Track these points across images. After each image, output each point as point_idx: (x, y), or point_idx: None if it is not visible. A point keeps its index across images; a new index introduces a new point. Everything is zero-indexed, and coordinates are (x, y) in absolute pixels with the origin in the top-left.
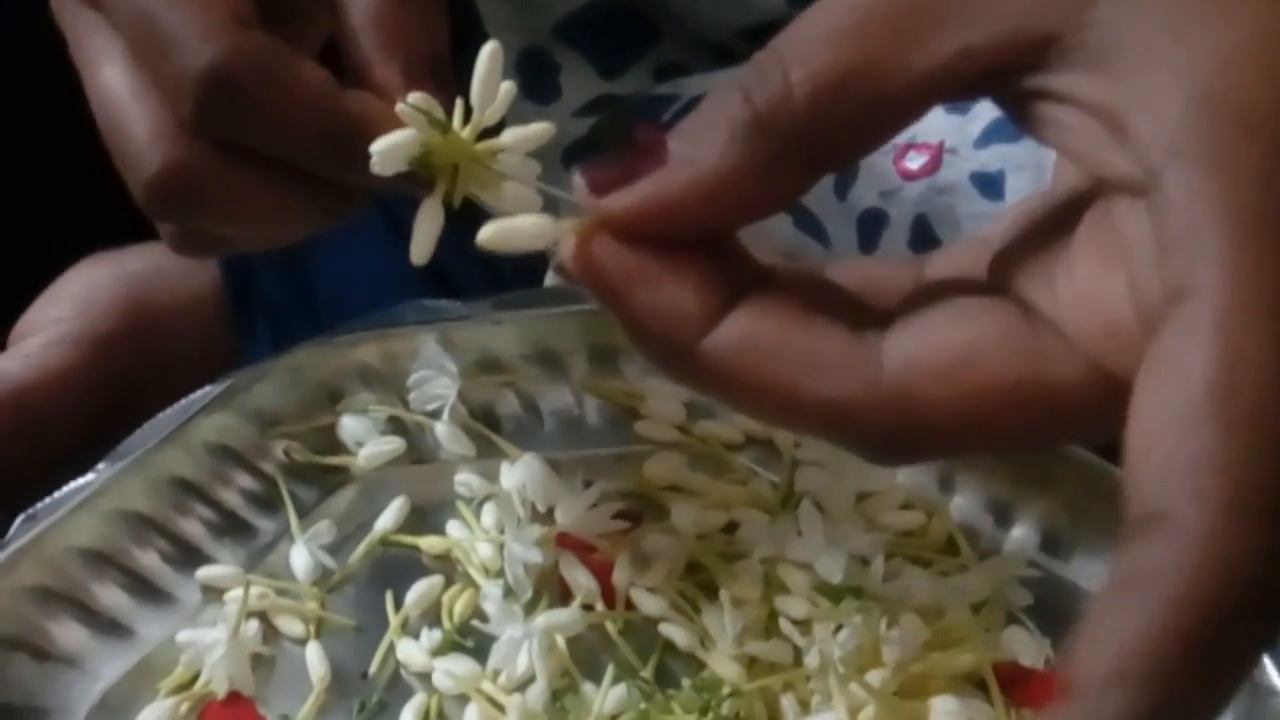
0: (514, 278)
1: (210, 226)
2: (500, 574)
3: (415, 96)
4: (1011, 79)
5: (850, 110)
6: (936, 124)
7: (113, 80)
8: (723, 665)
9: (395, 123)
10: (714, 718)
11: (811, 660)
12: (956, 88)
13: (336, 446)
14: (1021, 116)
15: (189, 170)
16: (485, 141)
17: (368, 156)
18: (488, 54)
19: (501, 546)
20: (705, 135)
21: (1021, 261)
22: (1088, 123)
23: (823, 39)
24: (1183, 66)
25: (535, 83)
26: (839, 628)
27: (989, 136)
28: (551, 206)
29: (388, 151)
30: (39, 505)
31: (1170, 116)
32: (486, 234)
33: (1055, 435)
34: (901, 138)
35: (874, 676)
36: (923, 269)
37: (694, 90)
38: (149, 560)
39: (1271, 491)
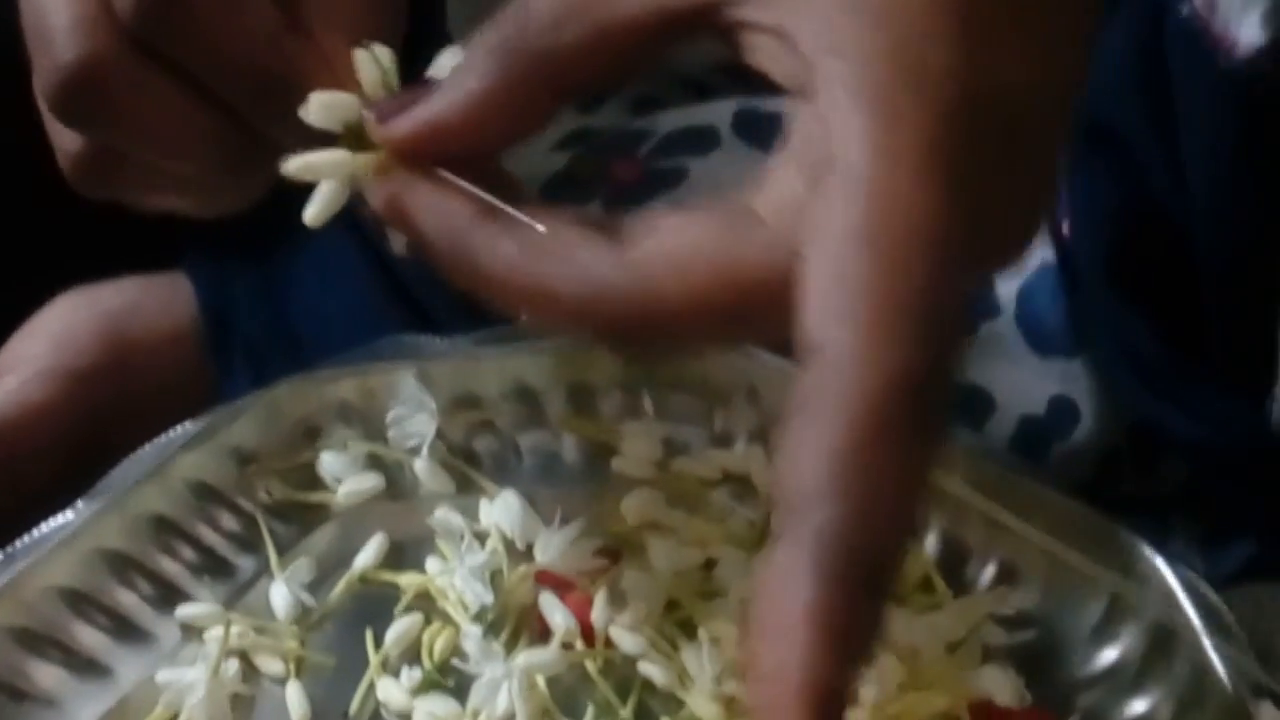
0: (493, 314)
1: (117, 140)
2: (479, 615)
3: (379, 48)
4: (718, 13)
5: (582, 35)
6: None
7: None
8: (702, 705)
9: (330, 81)
10: None
11: None
12: (676, 22)
13: (316, 483)
14: (733, 47)
15: (108, 62)
16: None
17: (292, 104)
18: (448, 56)
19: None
20: (467, 61)
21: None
22: (769, 41)
23: None
24: None
25: None
26: None
27: None
28: None
29: (328, 106)
30: (17, 544)
31: (822, 22)
32: (292, 166)
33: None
34: None
35: (851, 717)
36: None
37: (670, 124)
38: (128, 599)
39: (916, 305)
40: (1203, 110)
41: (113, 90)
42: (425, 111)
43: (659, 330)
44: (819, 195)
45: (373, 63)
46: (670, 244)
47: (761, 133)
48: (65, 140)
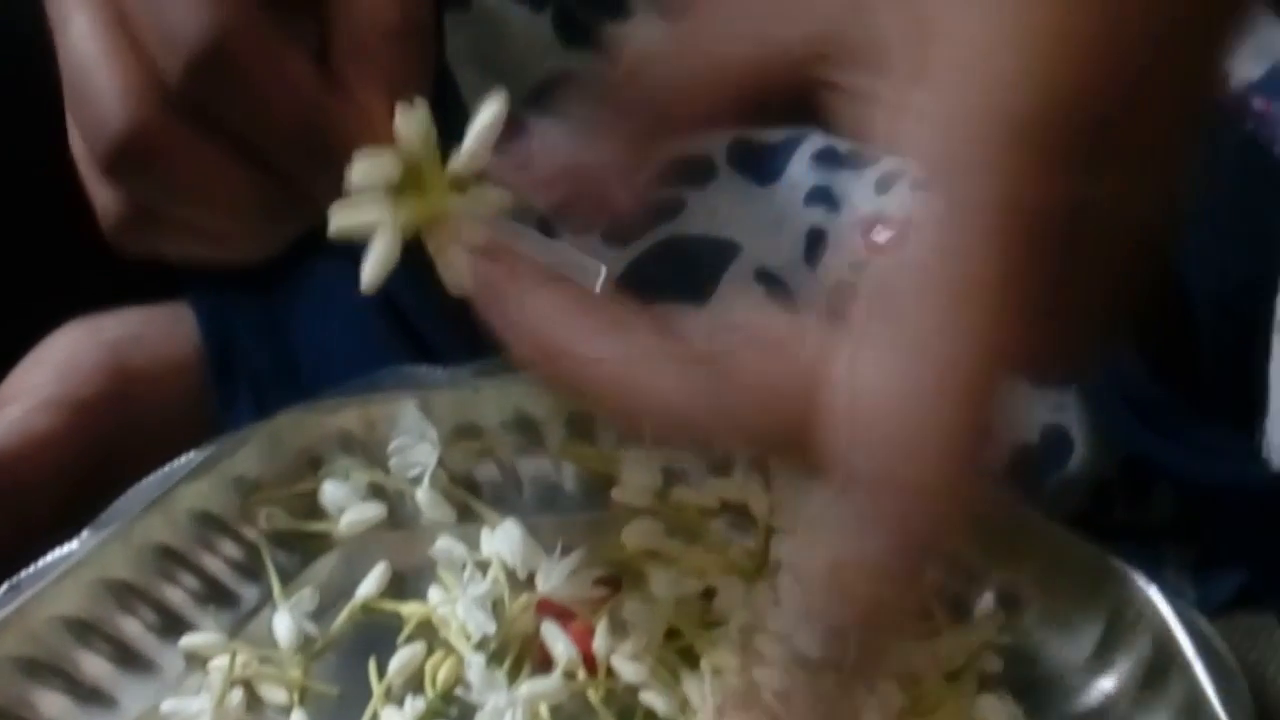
0: (494, 345)
1: (163, 200)
2: (482, 644)
3: (421, 106)
4: (809, 72)
5: (696, 94)
6: (902, 198)
7: (85, 28)
8: None
9: (368, 140)
10: None
11: None
12: (779, 79)
13: (318, 512)
14: (820, 108)
15: (158, 131)
16: (457, 193)
17: (335, 160)
18: (493, 108)
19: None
20: (581, 112)
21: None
22: (869, 112)
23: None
24: (945, 70)
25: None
26: None
27: None
28: None
29: (371, 167)
30: (22, 575)
31: (933, 121)
32: (341, 225)
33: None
34: (867, 208)
35: None
36: None
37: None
38: (132, 629)
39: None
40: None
41: (162, 151)
42: (555, 161)
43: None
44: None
45: (412, 120)
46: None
47: (756, 163)
48: (107, 199)
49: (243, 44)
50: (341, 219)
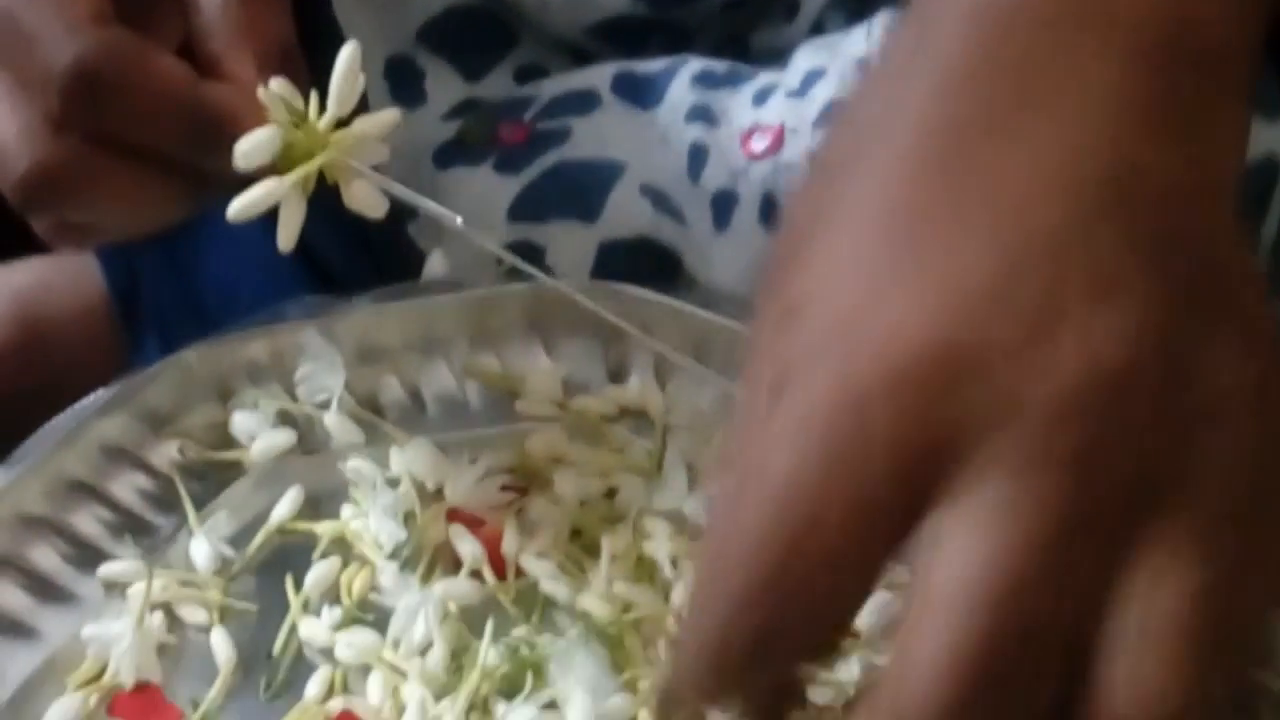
0: (396, 273)
1: (83, 216)
2: (395, 553)
3: (276, 83)
4: None
5: None
6: (777, 107)
7: None
8: (594, 605)
9: (251, 110)
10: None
11: (678, 597)
12: None
13: (229, 442)
14: None
15: (57, 165)
16: (340, 131)
17: (226, 142)
18: (348, 52)
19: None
20: None
21: None
22: None
23: None
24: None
25: (401, 88)
26: None
27: (825, 118)
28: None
29: (251, 149)
30: None
31: None
32: (241, 208)
33: None
34: (746, 121)
35: None
36: None
37: (552, 91)
38: (49, 561)
39: None
40: None
41: (67, 180)
42: None
43: None
44: None
45: (275, 99)
46: None
47: (638, 90)
48: (34, 221)
49: (107, 58)
50: (243, 203)
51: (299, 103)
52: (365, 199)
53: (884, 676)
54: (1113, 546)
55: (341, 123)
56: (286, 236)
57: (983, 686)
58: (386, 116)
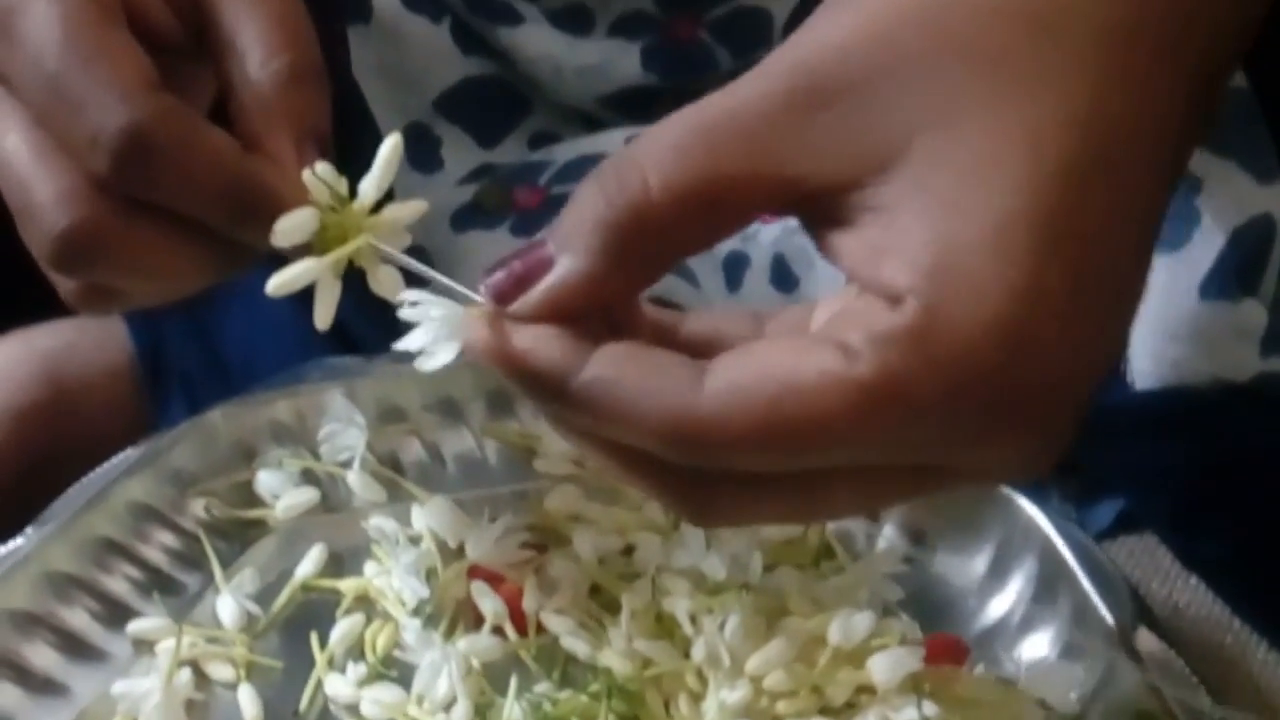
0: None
1: (113, 280)
2: (417, 610)
3: (322, 167)
4: (820, 204)
5: (698, 212)
6: None
7: (15, 144)
8: (614, 661)
9: (291, 189)
10: (609, 707)
11: (698, 653)
12: (781, 206)
13: (254, 501)
14: (815, 229)
15: (97, 225)
16: (373, 216)
17: (265, 215)
18: (391, 144)
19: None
20: (576, 236)
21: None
22: (861, 250)
23: (675, 151)
24: (931, 230)
25: (419, 156)
26: (723, 623)
27: None
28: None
29: (290, 228)
30: None
31: (915, 261)
32: (280, 284)
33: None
34: None
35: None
36: (763, 323)
37: (565, 155)
38: (79, 619)
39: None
40: None
41: (104, 242)
42: (544, 294)
43: (723, 456)
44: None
45: (318, 180)
46: (739, 374)
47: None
48: (61, 282)
49: (159, 127)
50: (282, 280)
51: (342, 187)
52: (390, 285)
53: None
54: None
55: (370, 209)
56: (324, 316)
57: None
58: (416, 206)
